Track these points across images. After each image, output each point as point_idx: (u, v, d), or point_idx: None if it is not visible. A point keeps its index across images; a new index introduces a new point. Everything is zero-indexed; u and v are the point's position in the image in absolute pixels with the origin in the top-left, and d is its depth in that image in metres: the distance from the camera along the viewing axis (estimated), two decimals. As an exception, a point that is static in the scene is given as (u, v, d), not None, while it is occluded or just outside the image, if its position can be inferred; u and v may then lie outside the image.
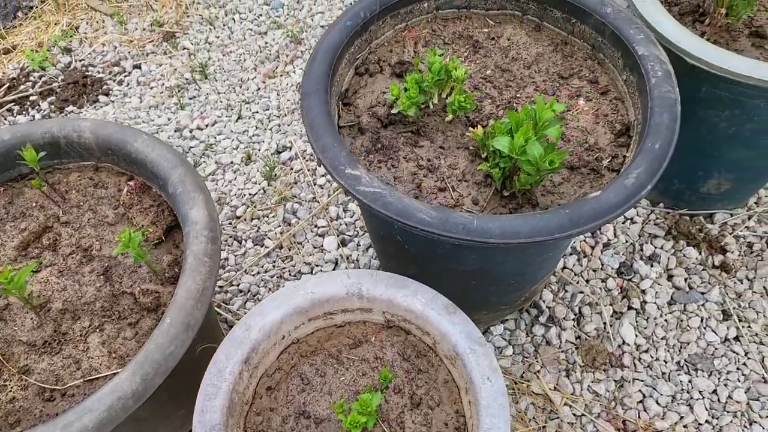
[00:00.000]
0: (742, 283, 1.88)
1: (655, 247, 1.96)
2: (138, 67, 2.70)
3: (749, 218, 1.99)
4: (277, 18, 2.84)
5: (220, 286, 1.89)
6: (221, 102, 2.47)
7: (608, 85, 1.47)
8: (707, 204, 1.96)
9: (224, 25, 2.84)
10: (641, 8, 1.50)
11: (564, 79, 1.49)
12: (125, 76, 2.66)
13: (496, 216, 1.17)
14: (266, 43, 2.72)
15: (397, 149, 1.38)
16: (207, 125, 2.38)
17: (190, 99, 2.52)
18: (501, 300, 1.66)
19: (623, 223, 2.02)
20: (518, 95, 1.46)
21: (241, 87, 2.54)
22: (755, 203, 2.03)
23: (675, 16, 1.60)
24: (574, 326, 1.82)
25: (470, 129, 1.33)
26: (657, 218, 2.02)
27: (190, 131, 2.35)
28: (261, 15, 2.87)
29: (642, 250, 1.95)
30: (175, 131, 2.35)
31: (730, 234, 1.96)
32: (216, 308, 1.83)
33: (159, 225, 1.37)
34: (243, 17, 2.87)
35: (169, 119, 2.42)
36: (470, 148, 1.37)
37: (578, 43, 1.53)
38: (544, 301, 1.86)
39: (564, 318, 1.83)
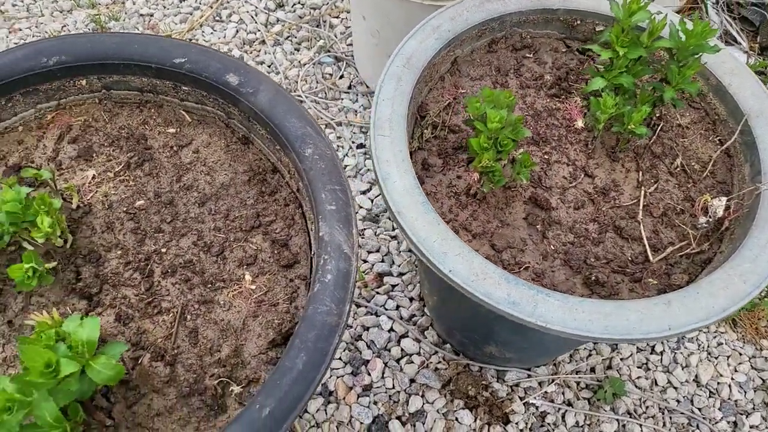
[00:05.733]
0: (514, 468, 1.50)
1: (425, 402, 1.56)
2: None
3: (551, 382, 1.60)
4: (97, -9, 2.29)
5: None
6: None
7: (298, 253, 1.02)
8: (497, 362, 1.56)
9: (27, -12, 2.29)
10: (388, 191, 1.01)
11: (245, 232, 1.04)
12: None
13: None
14: (64, 27, 2.19)
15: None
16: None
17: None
18: None
19: (398, 360, 1.61)
20: (166, 249, 1.01)
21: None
22: (568, 358, 1.64)
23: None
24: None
25: (32, 315, 0.89)
26: (440, 362, 1.61)
27: None
28: (78, -16, 2.33)
29: (408, 403, 1.55)
30: None
31: (521, 399, 1.57)
32: None
33: None
34: (56, -17, 2.32)
35: None
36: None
37: (287, 176, 1.08)
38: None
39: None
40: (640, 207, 1.10)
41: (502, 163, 1.07)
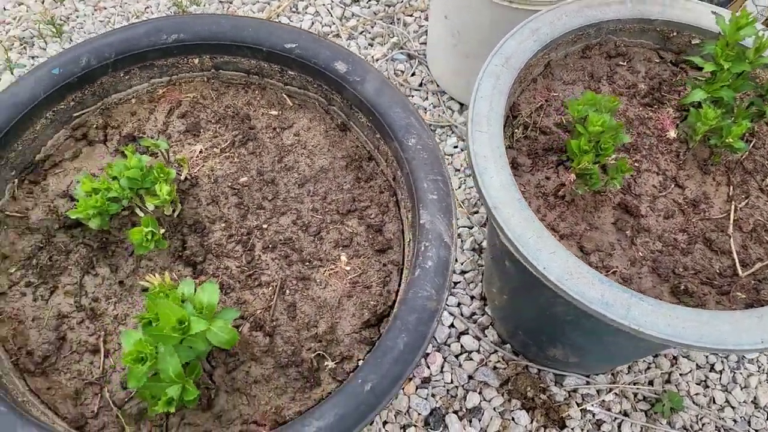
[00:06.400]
0: (568, 472, 1.51)
1: (482, 399, 1.58)
2: (-6, 1, 2.26)
3: (609, 390, 1.60)
4: (180, -24, 2.36)
5: None
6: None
7: (392, 240, 1.05)
8: (558, 366, 1.57)
9: (115, -30, 2.37)
10: (484, 186, 1.03)
11: (341, 215, 1.07)
12: (-27, 11, 2.23)
13: None
14: (147, 8, 2.26)
15: (60, 272, 0.99)
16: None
17: (32, 58, 2.09)
18: None
19: (457, 356, 1.64)
20: (267, 225, 1.05)
21: (92, 60, 2.10)
22: (627, 369, 1.64)
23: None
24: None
25: (147, 277, 0.93)
26: (499, 361, 1.63)
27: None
28: (165, -32, 2.40)
29: (465, 398, 1.58)
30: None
31: (578, 405, 1.58)
32: None
33: None
34: (144, -35, 2.40)
35: (-12, 82, 2.00)
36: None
37: (383, 164, 1.11)
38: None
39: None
40: (731, 221, 1.10)
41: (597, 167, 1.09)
